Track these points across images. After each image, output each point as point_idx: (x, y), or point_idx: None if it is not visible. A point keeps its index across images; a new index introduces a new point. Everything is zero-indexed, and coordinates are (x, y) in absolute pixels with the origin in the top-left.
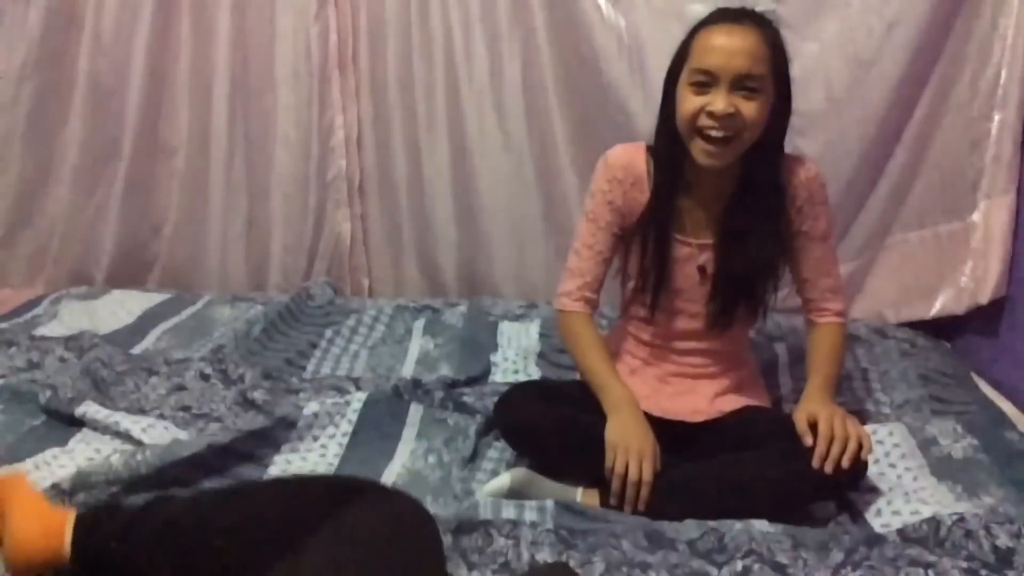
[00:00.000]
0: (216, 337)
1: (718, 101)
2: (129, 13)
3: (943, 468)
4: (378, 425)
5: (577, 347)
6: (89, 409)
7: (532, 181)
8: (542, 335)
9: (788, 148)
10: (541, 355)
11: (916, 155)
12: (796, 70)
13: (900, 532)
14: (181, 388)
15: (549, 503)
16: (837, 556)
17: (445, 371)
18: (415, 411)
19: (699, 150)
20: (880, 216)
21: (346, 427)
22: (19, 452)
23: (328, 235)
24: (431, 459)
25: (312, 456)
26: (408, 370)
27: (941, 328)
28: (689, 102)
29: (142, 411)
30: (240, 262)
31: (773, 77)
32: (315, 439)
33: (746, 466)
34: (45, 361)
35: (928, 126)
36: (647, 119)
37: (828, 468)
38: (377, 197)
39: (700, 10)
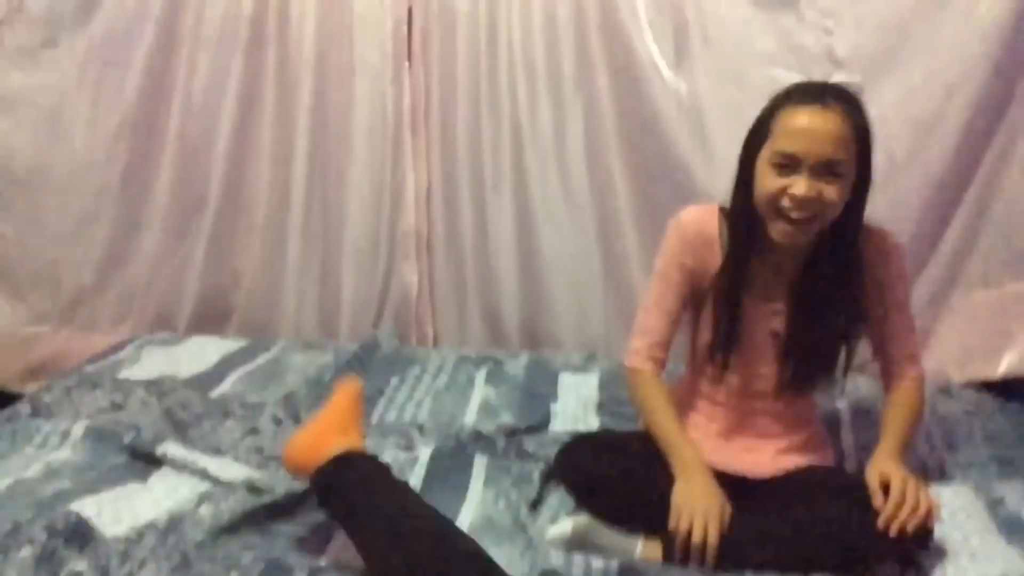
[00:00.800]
0: (289, 383)
1: (800, 185)
2: (218, 77)
3: (1011, 530)
4: (446, 478)
5: (645, 406)
6: (170, 448)
7: (593, 238)
8: (602, 386)
9: None
10: (600, 406)
11: (978, 214)
12: None
13: None
14: (255, 431)
15: (614, 563)
16: None
17: (506, 419)
18: (479, 461)
19: (778, 230)
20: (943, 275)
21: (415, 481)
22: (100, 487)
23: (396, 287)
24: (501, 504)
25: None
26: (470, 419)
27: (1008, 389)
28: (770, 182)
29: (218, 452)
30: (313, 311)
31: (857, 158)
32: None
33: (809, 522)
34: (128, 403)
35: (991, 185)
36: (706, 179)
37: (893, 531)
38: (444, 251)
39: (762, 79)
